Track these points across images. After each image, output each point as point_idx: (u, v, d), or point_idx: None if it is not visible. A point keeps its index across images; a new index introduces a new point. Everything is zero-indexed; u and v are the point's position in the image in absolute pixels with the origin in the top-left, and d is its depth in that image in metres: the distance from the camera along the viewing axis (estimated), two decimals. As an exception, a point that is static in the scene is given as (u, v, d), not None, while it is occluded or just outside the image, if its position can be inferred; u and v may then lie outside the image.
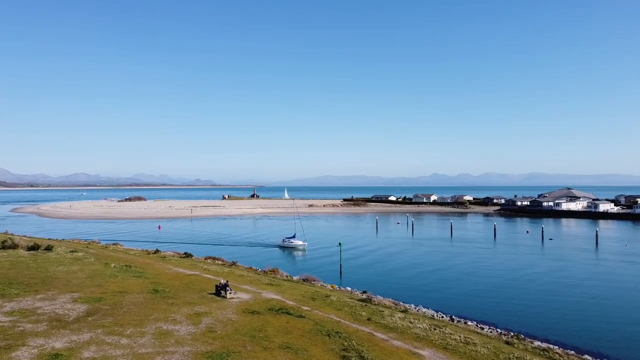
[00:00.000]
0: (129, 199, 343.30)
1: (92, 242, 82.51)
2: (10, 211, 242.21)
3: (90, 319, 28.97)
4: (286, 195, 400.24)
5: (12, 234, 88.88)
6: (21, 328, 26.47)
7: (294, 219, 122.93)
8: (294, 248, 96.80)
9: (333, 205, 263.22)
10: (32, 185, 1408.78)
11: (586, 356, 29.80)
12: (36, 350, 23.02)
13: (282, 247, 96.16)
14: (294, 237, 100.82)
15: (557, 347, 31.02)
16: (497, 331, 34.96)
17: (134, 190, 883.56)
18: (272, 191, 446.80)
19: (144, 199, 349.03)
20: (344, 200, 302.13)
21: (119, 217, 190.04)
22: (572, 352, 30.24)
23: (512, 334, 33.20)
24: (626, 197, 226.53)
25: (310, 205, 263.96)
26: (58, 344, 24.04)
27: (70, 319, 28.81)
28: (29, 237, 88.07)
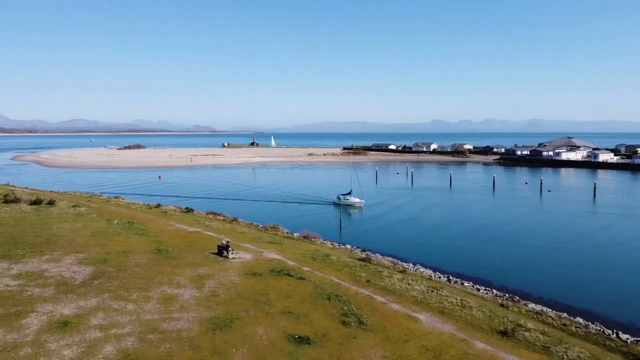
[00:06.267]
0: (129, 147, 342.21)
1: (94, 195, 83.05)
2: (10, 159, 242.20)
3: (96, 282, 29.67)
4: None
5: (13, 187, 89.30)
6: (30, 293, 27.17)
7: (350, 171, 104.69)
8: (350, 206, 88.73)
9: (333, 154, 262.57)
10: (30, 132, 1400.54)
11: (578, 318, 30.76)
12: (45, 317, 23.74)
13: (337, 205, 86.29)
14: (349, 194, 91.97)
15: (550, 309, 31.97)
16: (492, 292, 35.93)
17: (132, 136, 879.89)
18: (270, 139, 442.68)
19: (144, 147, 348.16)
20: (344, 149, 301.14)
21: (119, 167, 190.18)
22: (565, 314, 31.23)
23: (507, 295, 34.15)
24: (626, 146, 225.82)
25: (310, 154, 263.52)
26: (66, 310, 24.75)
27: (77, 282, 29.51)
28: (31, 189, 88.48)
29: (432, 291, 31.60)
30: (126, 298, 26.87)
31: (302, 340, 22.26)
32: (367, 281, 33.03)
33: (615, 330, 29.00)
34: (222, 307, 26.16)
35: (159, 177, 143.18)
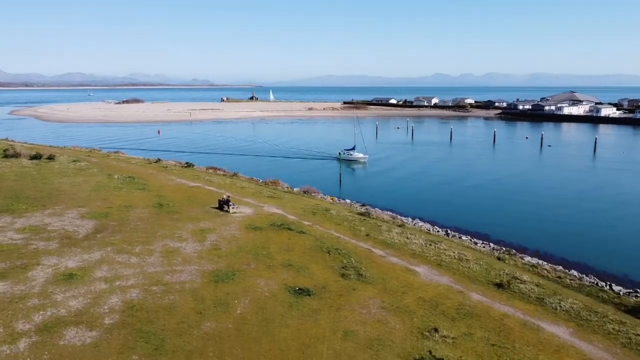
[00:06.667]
0: (127, 101, 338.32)
1: (93, 150, 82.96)
2: (8, 114, 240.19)
3: (99, 236, 30.09)
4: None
5: (12, 141, 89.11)
6: (34, 246, 27.61)
7: (354, 126, 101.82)
8: (354, 161, 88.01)
9: (333, 109, 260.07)
10: (26, 85, 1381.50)
11: (572, 271, 31.40)
12: (51, 269, 24.22)
13: (341, 160, 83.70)
14: (353, 149, 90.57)
15: (545, 262, 32.60)
16: (489, 246, 36.49)
17: (130, 90, 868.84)
18: (272, 93, 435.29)
19: (142, 101, 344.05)
20: (344, 103, 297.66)
21: (117, 121, 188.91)
22: (560, 267, 31.85)
23: (504, 249, 34.68)
24: (629, 101, 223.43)
25: (310, 109, 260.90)
26: (71, 263, 25.22)
27: (80, 236, 29.93)
28: (30, 144, 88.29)
29: (430, 245, 32.10)
30: (129, 251, 27.33)
31: (303, 292, 22.80)
32: (367, 235, 33.50)
33: (608, 283, 29.67)
34: (224, 260, 26.65)
35: (158, 132, 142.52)
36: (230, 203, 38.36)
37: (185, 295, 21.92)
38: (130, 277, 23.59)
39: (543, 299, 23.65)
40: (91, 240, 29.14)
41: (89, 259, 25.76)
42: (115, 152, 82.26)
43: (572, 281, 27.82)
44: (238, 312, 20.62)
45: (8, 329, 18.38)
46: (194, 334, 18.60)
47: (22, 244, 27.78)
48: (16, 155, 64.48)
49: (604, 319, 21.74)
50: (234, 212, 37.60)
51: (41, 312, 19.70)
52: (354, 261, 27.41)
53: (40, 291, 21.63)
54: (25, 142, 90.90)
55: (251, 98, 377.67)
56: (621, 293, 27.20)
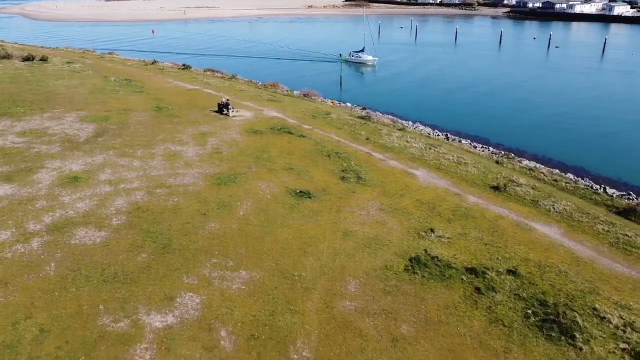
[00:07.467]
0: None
1: (87, 51, 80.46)
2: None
3: (100, 139, 30.22)
4: None
5: (2, 42, 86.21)
6: (36, 150, 27.84)
7: (363, 26, 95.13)
8: (362, 64, 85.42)
9: (334, 6, 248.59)
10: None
11: (569, 174, 31.79)
12: (55, 172, 24.62)
13: (349, 63, 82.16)
14: (362, 51, 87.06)
15: (543, 166, 32.87)
16: (489, 150, 36.56)
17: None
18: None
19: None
20: (346, 0, 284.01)
21: (109, 20, 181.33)
22: (557, 170, 32.18)
23: (502, 153, 34.82)
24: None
25: (310, 6, 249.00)
26: (75, 166, 25.57)
27: (81, 139, 30.06)
28: (21, 44, 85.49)
29: (430, 148, 32.29)
30: (131, 155, 27.59)
31: (303, 194, 23.35)
32: (367, 139, 33.58)
33: (602, 185, 30.20)
34: (225, 163, 26.98)
35: (153, 32, 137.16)
36: (229, 106, 38.01)
37: (188, 197, 22.47)
38: (134, 180, 24.04)
39: (537, 201, 24.27)
40: (92, 144, 29.29)
41: (92, 163, 26.08)
42: (109, 53, 79.84)
43: (567, 184, 28.35)
44: (241, 213, 21.28)
45: (20, 229, 19.09)
46: (199, 234, 19.35)
47: (25, 148, 27.97)
48: (8, 56, 62.74)
49: (595, 220, 22.47)
50: (234, 116, 37.40)
51: (50, 214, 20.34)
52: (353, 165, 27.76)
53: (47, 193, 22.15)
54: (15, 43, 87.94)
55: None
56: (614, 195, 27.82)
